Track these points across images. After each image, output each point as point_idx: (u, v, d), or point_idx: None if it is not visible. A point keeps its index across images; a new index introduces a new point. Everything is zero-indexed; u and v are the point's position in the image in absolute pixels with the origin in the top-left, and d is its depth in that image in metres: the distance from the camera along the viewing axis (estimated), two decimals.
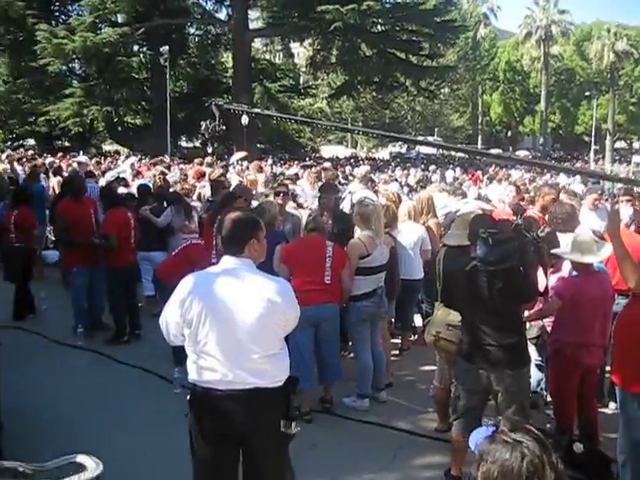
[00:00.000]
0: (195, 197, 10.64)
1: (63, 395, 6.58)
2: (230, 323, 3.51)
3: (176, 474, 4.68)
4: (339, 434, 5.90)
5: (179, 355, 7.10)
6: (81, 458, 3.03)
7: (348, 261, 6.32)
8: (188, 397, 3.66)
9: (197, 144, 50.80)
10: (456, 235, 5.65)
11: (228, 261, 3.66)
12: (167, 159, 20.37)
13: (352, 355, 7.30)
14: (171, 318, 3.61)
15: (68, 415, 6.10)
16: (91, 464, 2.97)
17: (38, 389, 6.65)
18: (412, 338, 8.34)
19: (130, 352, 7.90)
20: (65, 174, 13.60)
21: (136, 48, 40.04)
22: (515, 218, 6.49)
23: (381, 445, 5.60)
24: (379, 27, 38.10)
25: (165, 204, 9.68)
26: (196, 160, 17.74)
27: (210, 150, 45.80)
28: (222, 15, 42.14)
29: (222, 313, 3.50)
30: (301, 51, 49.60)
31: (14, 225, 9.35)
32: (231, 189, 8.82)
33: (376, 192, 9.45)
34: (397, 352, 8.00)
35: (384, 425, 5.90)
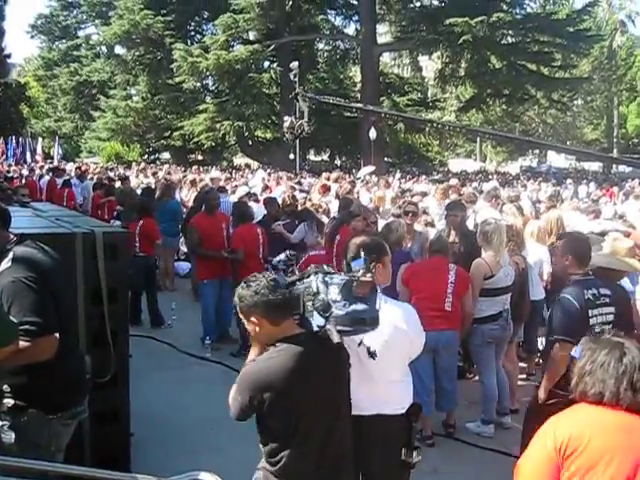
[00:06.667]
0: (322, 212, 10.72)
1: (189, 406, 6.75)
2: (354, 349, 3.46)
3: None
4: (461, 460, 5.77)
5: None
6: (204, 475, 3.06)
7: (471, 284, 6.19)
8: None
9: (325, 157, 51.39)
10: (601, 257, 5.42)
11: None
12: (284, 176, 20.63)
13: (476, 378, 7.15)
14: None
15: (193, 426, 6.26)
16: None
17: (166, 398, 6.87)
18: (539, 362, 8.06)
19: None
20: (198, 189, 14.08)
21: (267, 64, 41.07)
22: None
23: (505, 473, 5.37)
24: (509, 39, 37.51)
25: (297, 220, 9.87)
26: (323, 174, 17.89)
27: (338, 163, 46.23)
28: (351, 30, 42.69)
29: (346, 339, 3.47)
30: (429, 64, 49.34)
31: (139, 235, 9.84)
32: (350, 208, 8.83)
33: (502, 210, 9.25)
34: (524, 376, 7.74)
35: (508, 454, 5.69)
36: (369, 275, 3.17)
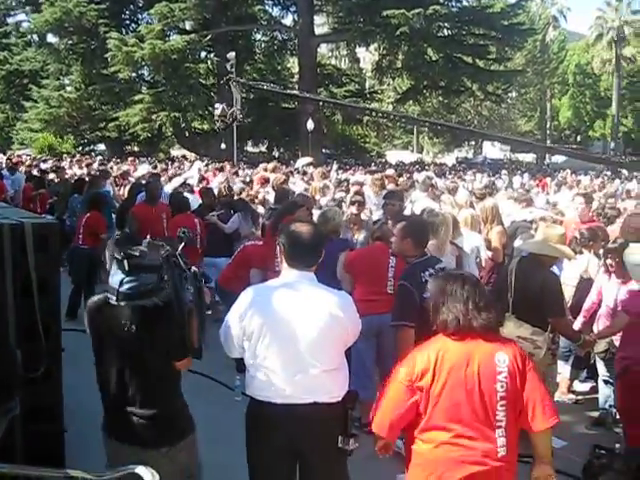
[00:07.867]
0: (258, 202, 10.68)
1: None
2: (290, 337, 3.46)
3: None
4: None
5: (241, 362, 7.13)
6: (140, 470, 3.01)
7: None
8: (245, 410, 3.63)
9: (263, 149, 51.19)
10: (534, 243, 5.53)
11: (290, 274, 3.60)
12: (227, 166, 20.50)
13: None
14: (231, 331, 3.59)
15: None
16: (148, 476, 2.96)
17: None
18: None
19: None
20: (131, 179, 13.87)
21: (203, 55, 40.61)
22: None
23: None
24: (445, 31, 38.07)
25: (232, 211, 9.79)
26: (261, 165, 17.87)
27: (276, 155, 46.07)
28: (288, 21, 42.65)
29: (282, 327, 3.46)
30: (367, 56, 49.60)
31: (84, 228, 9.61)
32: (294, 198, 8.81)
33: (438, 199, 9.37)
34: None
35: None
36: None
